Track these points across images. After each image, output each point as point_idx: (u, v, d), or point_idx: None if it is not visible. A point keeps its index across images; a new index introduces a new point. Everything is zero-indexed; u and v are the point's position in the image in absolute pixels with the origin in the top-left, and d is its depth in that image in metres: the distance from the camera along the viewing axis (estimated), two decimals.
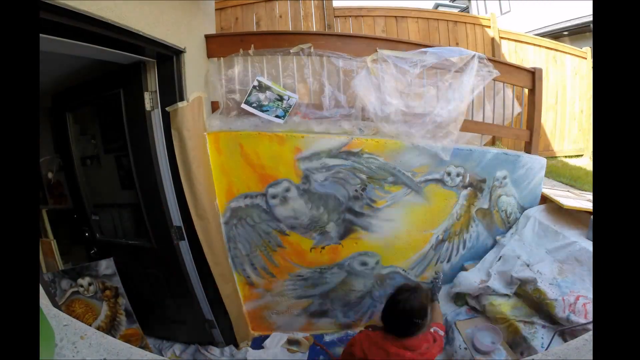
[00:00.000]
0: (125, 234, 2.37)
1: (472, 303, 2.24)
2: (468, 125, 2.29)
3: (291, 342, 2.53)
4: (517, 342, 1.92)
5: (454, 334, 2.12)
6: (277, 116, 2.13)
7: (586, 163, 4.22)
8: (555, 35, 7.21)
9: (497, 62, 2.30)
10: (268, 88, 2.11)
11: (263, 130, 2.15)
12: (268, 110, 2.12)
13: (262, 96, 2.12)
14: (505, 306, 2.05)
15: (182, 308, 2.36)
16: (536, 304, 1.96)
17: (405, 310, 1.43)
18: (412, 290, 1.51)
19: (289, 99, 2.09)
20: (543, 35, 6.21)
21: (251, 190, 2.22)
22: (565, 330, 1.77)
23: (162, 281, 2.30)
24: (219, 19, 3.29)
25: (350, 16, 3.63)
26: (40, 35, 1.13)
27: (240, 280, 2.46)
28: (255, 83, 2.11)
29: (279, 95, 2.09)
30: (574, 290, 1.89)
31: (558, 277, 1.99)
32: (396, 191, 2.26)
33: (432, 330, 1.59)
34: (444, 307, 2.28)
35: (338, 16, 3.54)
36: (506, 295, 2.10)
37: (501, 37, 4.00)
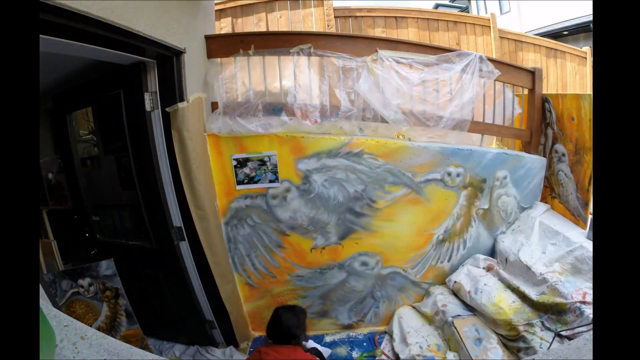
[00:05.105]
0: (126, 235, 2.37)
1: (469, 299, 2.23)
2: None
3: None
4: (512, 339, 1.92)
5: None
6: (270, 181, 2.18)
7: None
8: (555, 35, 7.21)
9: (497, 62, 2.30)
10: (246, 159, 2.15)
11: (263, 131, 2.15)
12: (261, 179, 2.17)
13: (246, 170, 2.17)
14: (507, 310, 2.01)
15: (183, 308, 2.35)
16: (542, 306, 1.93)
17: (282, 323, 1.68)
18: (288, 308, 1.79)
19: (270, 159, 2.13)
20: (543, 35, 6.21)
21: (251, 191, 2.22)
22: (565, 333, 1.77)
23: (163, 282, 2.30)
24: (219, 19, 3.30)
25: (350, 16, 3.62)
26: (41, 35, 1.14)
27: (241, 281, 2.46)
28: (234, 162, 2.16)
29: (259, 160, 2.14)
30: (579, 289, 1.87)
31: (562, 278, 1.97)
32: (396, 191, 2.26)
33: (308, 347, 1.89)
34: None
35: (338, 16, 3.54)
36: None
37: (501, 37, 4.00)
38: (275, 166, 2.16)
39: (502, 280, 2.21)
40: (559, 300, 1.85)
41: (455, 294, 2.40)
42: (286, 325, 1.68)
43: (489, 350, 1.95)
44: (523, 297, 2.03)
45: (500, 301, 2.06)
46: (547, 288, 1.95)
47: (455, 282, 2.38)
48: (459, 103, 2.20)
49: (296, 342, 1.67)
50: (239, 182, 2.20)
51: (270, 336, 1.69)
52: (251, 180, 2.18)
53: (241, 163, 2.16)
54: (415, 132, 2.25)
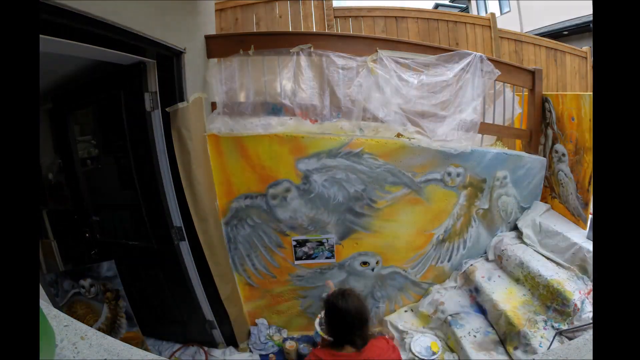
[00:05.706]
0: (126, 235, 2.37)
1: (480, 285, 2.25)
2: None
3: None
4: (512, 337, 1.93)
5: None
6: (327, 257, 2.36)
7: None
8: (555, 35, 7.21)
9: (498, 62, 2.30)
10: (306, 240, 2.31)
11: (263, 131, 2.15)
12: (317, 257, 2.33)
13: (305, 249, 2.32)
14: (515, 300, 2.07)
15: (183, 309, 2.35)
16: (548, 299, 1.97)
17: (350, 314, 1.27)
18: (345, 293, 1.35)
19: (327, 240, 2.29)
20: (543, 35, 6.21)
21: (251, 191, 2.22)
22: (566, 333, 1.77)
23: (163, 282, 2.30)
24: (219, 19, 3.29)
25: (350, 16, 3.62)
26: (41, 35, 1.13)
27: (241, 281, 2.46)
28: (294, 243, 2.30)
29: (317, 241, 2.30)
30: (581, 290, 1.91)
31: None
32: (396, 191, 2.26)
33: (379, 334, 1.48)
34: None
35: (338, 16, 3.54)
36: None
37: (501, 37, 3.99)
38: (332, 246, 2.32)
39: (521, 260, 2.21)
40: (567, 288, 1.90)
41: (455, 287, 2.42)
42: (357, 314, 1.26)
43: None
44: (535, 284, 2.08)
45: (511, 292, 2.13)
46: (571, 255, 2.06)
47: (471, 264, 2.42)
48: (465, 104, 2.20)
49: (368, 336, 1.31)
50: (298, 259, 2.36)
51: (338, 338, 1.31)
52: (309, 257, 2.35)
53: (300, 243, 2.31)
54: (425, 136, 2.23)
